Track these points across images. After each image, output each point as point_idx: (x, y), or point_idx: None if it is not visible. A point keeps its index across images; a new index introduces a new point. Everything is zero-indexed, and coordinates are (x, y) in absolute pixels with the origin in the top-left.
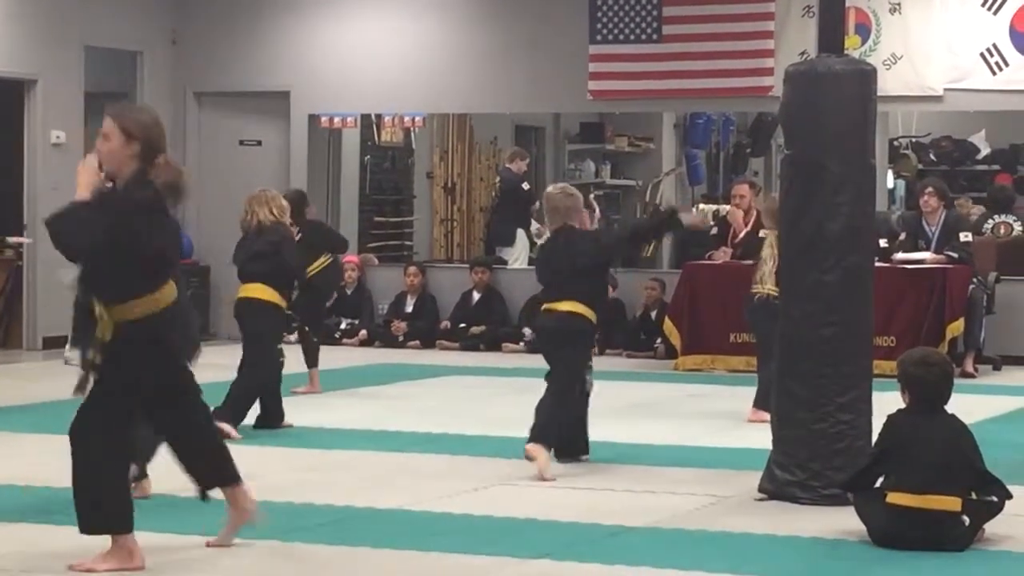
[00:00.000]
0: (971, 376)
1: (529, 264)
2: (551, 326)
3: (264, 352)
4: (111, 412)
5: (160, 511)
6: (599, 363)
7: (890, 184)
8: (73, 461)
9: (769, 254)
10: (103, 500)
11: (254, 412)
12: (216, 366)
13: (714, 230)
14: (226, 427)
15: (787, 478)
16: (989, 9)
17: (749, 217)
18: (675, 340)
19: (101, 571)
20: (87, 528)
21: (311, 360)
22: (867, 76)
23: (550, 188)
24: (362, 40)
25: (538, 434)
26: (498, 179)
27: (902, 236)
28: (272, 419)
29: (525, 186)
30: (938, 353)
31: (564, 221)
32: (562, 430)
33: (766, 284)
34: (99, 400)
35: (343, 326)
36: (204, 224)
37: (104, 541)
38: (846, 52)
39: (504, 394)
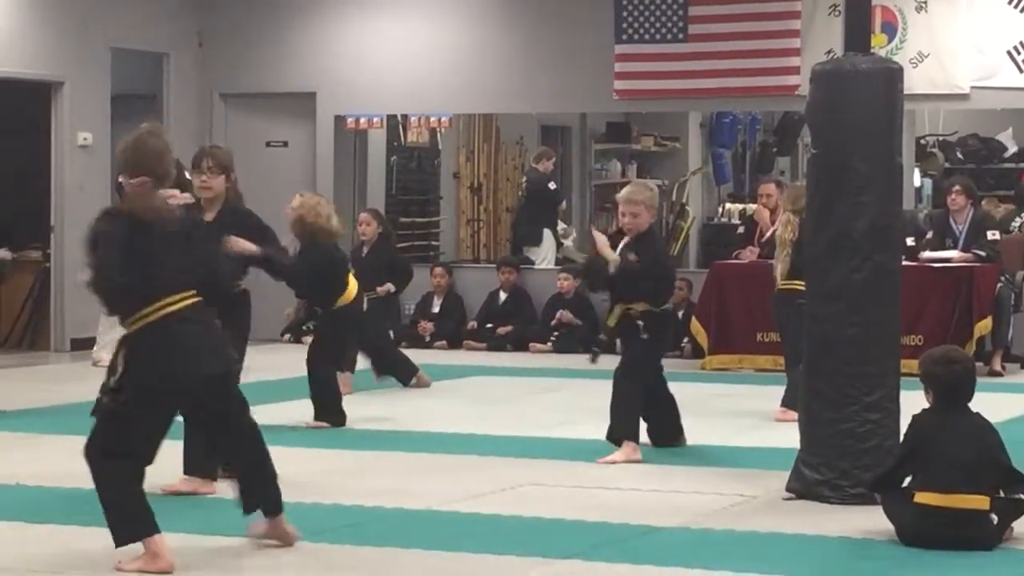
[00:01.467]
0: (999, 375)
1: (556, 264)
2: None
3: None
4: (119, 424)
5: (186, 510)
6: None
7: (917, 183)
8: (93, 479)
9: (779, 236)
10: (125, 511)
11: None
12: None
13: (741, 229)
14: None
15: (815, 477)
16: (1016, 7)
17: (776, 216)
18: (702, 340)
19: (128, 571)
20: (120, 541)
21: (348, 365)
22: (893, 74)
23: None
24: (388, 41)
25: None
26: (525, 179)
27: (929, 234)
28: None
29: (552, 186)
30: (959, 351)
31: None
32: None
33: (776, 268)
34: (110, 414)
35: None
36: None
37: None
38: (872, 51)
39: (531, 394)
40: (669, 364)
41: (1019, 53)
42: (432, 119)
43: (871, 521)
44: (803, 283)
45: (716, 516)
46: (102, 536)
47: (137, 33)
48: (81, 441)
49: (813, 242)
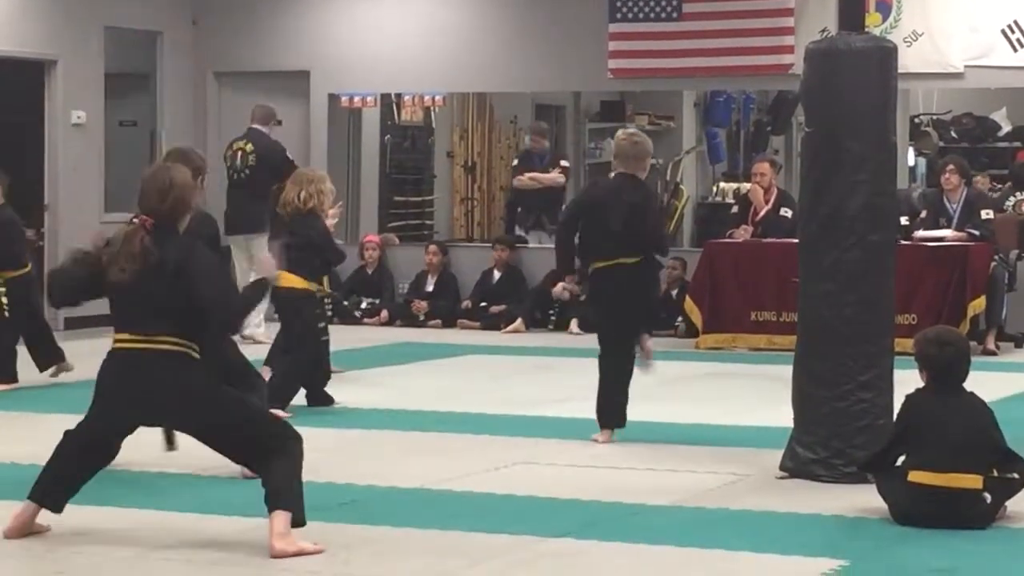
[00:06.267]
0: (992, 354)
1: None
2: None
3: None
4: None
5: (179, 489)
6: None
7: (911, 162)
8: None
9: None
10: None
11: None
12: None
13: (735, 208)
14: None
15: (808, 456)
16: None
17: (769, 195)
18: (696, 319)
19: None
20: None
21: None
22: (888, 53)
23: (619, 132)
24: (382, 19)
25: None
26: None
27: (923, 214)
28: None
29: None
30: (954, 331)
31: (625, 168)
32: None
33: None
34: None
35: (364, 305)
36: (224, 204)
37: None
38: (867, 29)
39: (525, 373)
40: (664, 343)
41: (1013, 32)
42: (426, 98)
43: (865, 500)
44: None
45: (710, 495)
46: (96, 514)
47: (131, 11)
48: (75, 420)
49: (807, 221)
